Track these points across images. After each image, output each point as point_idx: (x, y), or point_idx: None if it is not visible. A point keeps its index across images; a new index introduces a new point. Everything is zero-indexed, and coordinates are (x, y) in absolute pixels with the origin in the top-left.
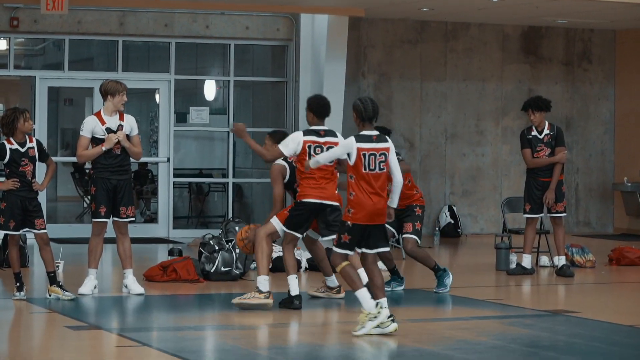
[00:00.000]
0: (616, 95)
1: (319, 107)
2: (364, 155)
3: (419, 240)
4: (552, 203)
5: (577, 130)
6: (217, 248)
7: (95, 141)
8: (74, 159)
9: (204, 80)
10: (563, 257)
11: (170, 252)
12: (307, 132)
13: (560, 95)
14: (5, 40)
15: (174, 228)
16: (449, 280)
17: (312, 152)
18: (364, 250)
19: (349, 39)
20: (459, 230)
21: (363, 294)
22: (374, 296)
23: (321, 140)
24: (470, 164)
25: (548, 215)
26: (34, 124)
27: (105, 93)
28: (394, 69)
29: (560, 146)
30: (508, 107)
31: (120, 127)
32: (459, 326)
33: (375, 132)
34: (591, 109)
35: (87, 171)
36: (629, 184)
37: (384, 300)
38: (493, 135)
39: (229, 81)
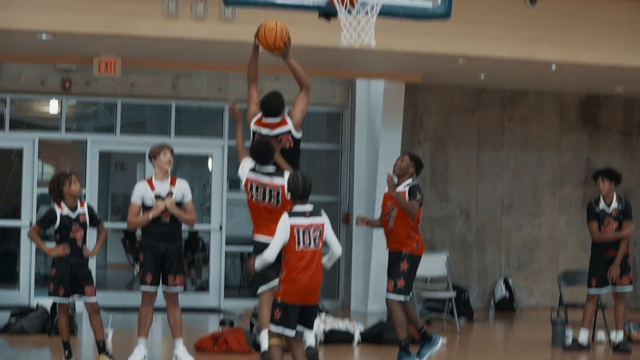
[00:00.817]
0: None
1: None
2: (298, 231)
3: (403, 298)
4: (617, 278)
5: (636, 201)
6: None
7: (146, 208)
8: (124, 225)
9: None
10: (621, 333)
11: (222, 322)
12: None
13: (619, 165)
14: (57, 102)
15: (225, 298)
16: (430, 352)
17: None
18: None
19: (405, 106)
20: (514, 303)
21: None
22: None
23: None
24: (527, 235)
25: (612, 288)
26: (84, 188)
27: (150, 157)
28: (451, 137)
29: (628, 220)
30: (565, 177)
31: (170, 193)
32: None
33: (309, 208)
34: None
35: (138, 238)
36: None
37: None
38: (550, 206)
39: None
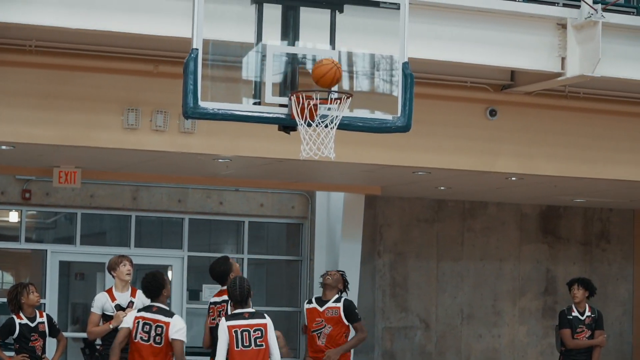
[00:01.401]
0: (635, 275)
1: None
2: (236, 332)
3: None
4: None
5: None
6: None
7: (106, 318)
8: (84, 335)
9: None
10: None
11: None
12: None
13: (578, 275)
14: (17, 213)
15: None
16: None
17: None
18: None
19: (365, 217)
20: None
21: None
22: None
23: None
24: (487, 345)
25: None
26: (44, 297)
27: (109, 269)
28: (410, 248)
29: (600, 329)
30: (525, 288)
31: (130, 303)
32: None
33: (249, 310)
34: (609, 289)
35: (98, 347)
36: None
37: None
38: (510, 316)
39: (242, 259)
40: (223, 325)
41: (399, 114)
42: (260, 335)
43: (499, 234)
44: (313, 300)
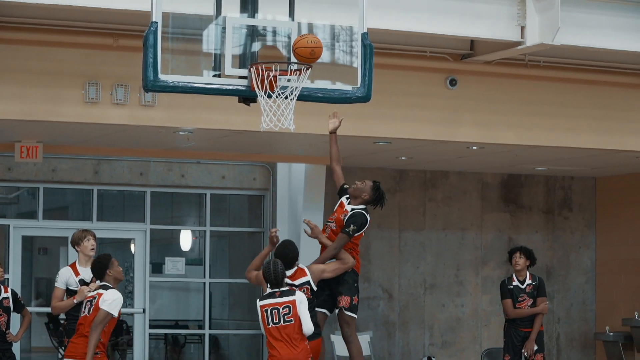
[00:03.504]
0: (597, 243)
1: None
2: (266, 311)
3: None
4: (532, 354)
5: (558, 279)
6: None
7: (70, 292)
8: (48, 310)
9: (179, 230)
10: None
11: None
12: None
13: (541, 244)
14: None
15: None
16: None
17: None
18: None
19: (327, 188)
20: None
21: None
22: None
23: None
24: (450, 314)
25: None
26: (7, 273)
27: (73, 244)
28: (372, 219)
29: (542, 296)
30: (488, 257)
31: (94, 278)
32: None
33: (283, 289)
34: (572, 257)
35: (62, 322)
36: (611, 334)
37: None
38: (473, 285)
39: (204, 231)
40: (257, 306)
41: (358, 85)
42: (288, 312)
43: (461, 203)
44: None
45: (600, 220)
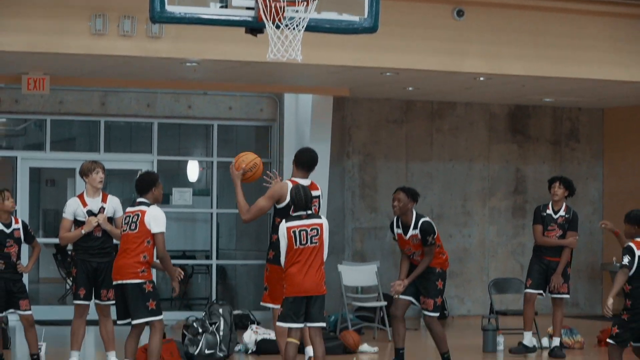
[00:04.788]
0: (604, 174)
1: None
2: (294, 232)
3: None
4: (559, 287)
5: None
6: (200, 330)
7: (78, 223)
8: (56, 241)
9: (186, 161)
10: (558, 339)
11: None
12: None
13: (548, 174)
14: None
15: None
16: None
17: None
18: (307, 324)
19: (334, 119)
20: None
21: None
22: None
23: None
24: (457, 245)
25: (550, 295)
26: (16, 204)
27: (82, 174)
28: (379, 149)
29: (573, 230)
30: (495, 188)
31: (102, 209)
32: None
33: (307, 212)
34: (579, 188)
35: (70, 253)
36: (618, 264)
37: None
38: (480, 215)
39: (212, 162)
40: (282, 228)
41: (366, 15)
42: (316, 233)
43: (468, 134)
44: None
45: (608, 152)
